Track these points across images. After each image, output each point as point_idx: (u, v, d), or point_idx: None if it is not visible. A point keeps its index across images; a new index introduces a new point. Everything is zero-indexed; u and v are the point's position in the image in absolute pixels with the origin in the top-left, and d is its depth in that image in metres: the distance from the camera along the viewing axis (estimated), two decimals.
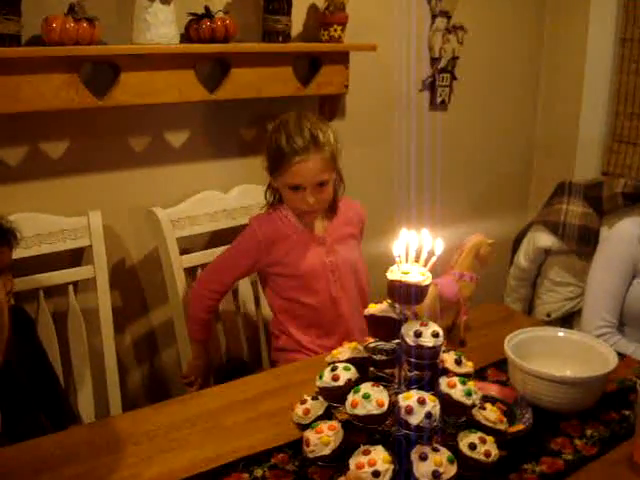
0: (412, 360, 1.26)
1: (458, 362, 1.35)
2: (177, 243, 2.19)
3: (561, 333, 1.72)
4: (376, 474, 1.16)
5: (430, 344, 1.24)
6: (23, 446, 1.43)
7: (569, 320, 2.68)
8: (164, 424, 1.50)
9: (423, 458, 1.18)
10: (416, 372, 1.29)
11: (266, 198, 2.09)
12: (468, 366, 1.36)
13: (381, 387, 1.25)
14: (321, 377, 1.32)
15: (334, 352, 1.39)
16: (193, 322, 2.11)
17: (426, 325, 1.26)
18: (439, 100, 2.95)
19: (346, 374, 1.30)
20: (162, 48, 2.03)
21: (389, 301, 1.31)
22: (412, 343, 1.24)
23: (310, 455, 1.27)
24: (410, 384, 1.29)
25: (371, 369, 1.37)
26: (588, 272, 2.25)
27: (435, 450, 1.20)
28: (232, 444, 1.43)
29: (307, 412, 1.34)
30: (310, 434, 1.27)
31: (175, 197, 2.27)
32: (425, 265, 1.29)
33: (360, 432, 1.28)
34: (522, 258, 2.73)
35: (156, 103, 2.13)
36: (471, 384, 1.27)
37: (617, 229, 2.22)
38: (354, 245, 2.12)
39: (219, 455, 1.39)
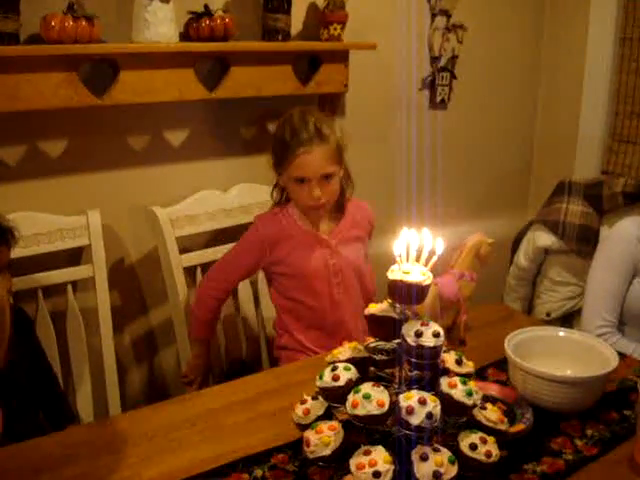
0: (413, 360, 1.25)
1: (459, 362, 1.34)
2: (176, 242, 2.19)
3: (561, 333, 1.72)
4: (377, 474, 1.15)
5: (431, 344, 1.23)
6: (22, 446, 1.42)
7: (569, 319, 2.67)
8: (163, 424, 1.50)
9: (424, 458, 1.17)
10: (417, 372, 1.28)
11: (272, 197, 2.08)
12: (469, 366, 1.36)
13: (382, 387, 1.25)
14: (321, 377, 1.31)
15: (334, 352, 1.38)
16: (196, 321, 2.11)
17: (427, 325, 1.25)
18: (439, 99, 2.95)
19: (346, 374, 1.29)
20: (161, 47, 2.03)
21: (389, 301, 1.31)
22: (413, 343, 1.23)
23: (310, 455, 1.26)
24: (411, 384, 1.28)
25: (371, 369, 1.36)
26: (588, 271, 2.25)
27: (436, 450, 1.19)
28: (232, 444, 1.43)
29: (307, 412, 1.33)
30: (310, 434, 1.27)
31: (174, 196, 2.27)
32: (426, 265, 1.28)
33: (360, 432, 1.28)
34: (522, 257, 2.73)
35: (155, 102, 2.12)
36: (472, 384, 1.27)
37: (617, 228, 2.21)
38: (360, 248, 2.10)
39: (219, 455, 1.39)
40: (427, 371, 1.27)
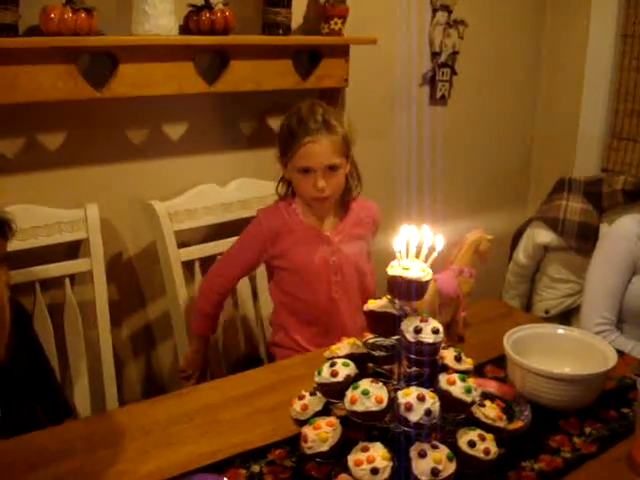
0: (412, 356, 1.25)
1: (458, 359, 1.34)
2: (175, 236, 2.19)
3: (560, 330, 1.72)
4: (375, 471, 1.15)
5: (430, 340, 1.23)
6: (19, 440, 1.42)
7: (568, 317, 2.67)
8: (161, 419, 1.50)
9: (422, 455, 1.16)
10: (415, 368, 1.28)
11: (277, 192, 2.08)
12: (468, 363, 1.35)
13: (380, 383, 1.24)
14: (320, 373, 1.31)
15: (333, 347, 1.37)
16: (199, 315, 2.10)
17: (426, 321, 1.25)
18: (439, 95, 2.94)
19: (345, 370, 1.28)
20: (161, 39, 2.02)
21: (389, 297, 1.30)
22: (412, 339, 1.23)
23: (308, 451, 1.25)
24: (409, 380, 1.27)
25: (370, 365, 1.36)
26: (587, 269, 2.25)
27: (434, 447, 1.18)
28: (229, 439, 1.42)
29: (305, 408, 1.32)
30: (308, 430, 1.26)
31: (173, 190, 2.26)
32: (426, 261, 1.28)
33: (358, 428, 1.27)
34: (521, 254, 2.73)
35: (154, 95, 2.11)
36: (471, 381, 1.26)
37: (617, 226, 2.21)
38: (362, 247, 2.09)
39: (216, 450, 1.38)
40: (426, 368, 1.27)
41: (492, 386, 1.58)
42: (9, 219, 1.56)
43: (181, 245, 2.22)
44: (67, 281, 2.08)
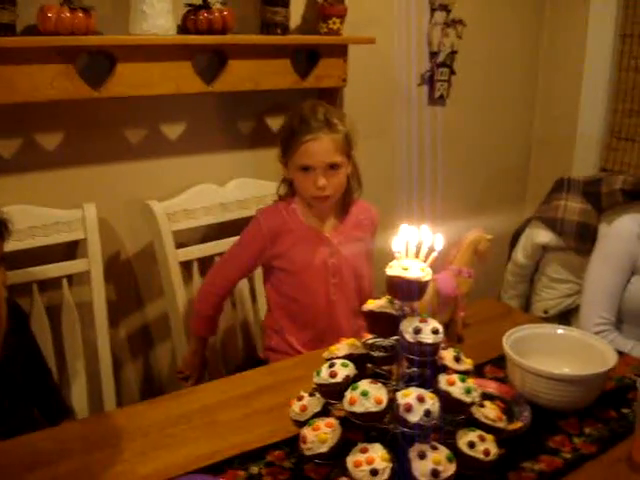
0: (411, 357, 1.25)
1: (457, 359, 1.33)
2: (173, 236, 2.18)
3: (560, 330, 1.72)
4: (374, 472, 1.14)
5: (430, 341, 1.22)
6: (16, 441, 1.41)
7: (567, 317, 2.66)
8: (159, 420, 1.49)
9: (422, 456, 1.16)
10: (415, 369, 1.28)
11: (278, 192, 2.07)
12: (467, 363, 1.34)
13: (379, 384, 1.24)
14: (319, 373, 1.30)
15: (332, 348, 1.37)
16: (198, 317, 2.10)
17: (425, 321, 1.24)
18: (437, 95, 2.94)
19: (344, 371, 1.28)
20: (159, 39, 2.01)
21: (388, 297, 1.30)
22: (411, 340, 1.22)
23: (307, 452, 1.25)
24: (409, 381, 1.27)
25: (369, 366, 1.35)
26: (586, 269, 2.24)
27: (434, 448, 1.18)
28: (228, 440, 1.42)
29: (304, 409, 1.32)
30: (307, 431, 1.26)
31: (171, 190, 2.26)
32: (425, 261, 1.27)
33: (358, 429, 1.27)
34: (520, 254, 2.72)
35: (152, 95, 2.11)
36: (470, 382, 1.26)
37: (616, 226, 2.21)
38: (360, 250, 2.08)
39: (214, 451, 1.38)
40: (425, 368, 1.26)
41: (492, 386, 1.57)
42: (6, 219, 1.55)
43: (179, 245, 2.21)
44: (65, 282, 2.07)
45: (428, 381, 1.25)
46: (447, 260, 1.89)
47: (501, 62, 3.17)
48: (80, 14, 1.84)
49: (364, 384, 1.23)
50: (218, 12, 2.09)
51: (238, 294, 2.32)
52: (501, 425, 1.29)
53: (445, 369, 1.30)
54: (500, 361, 1.68)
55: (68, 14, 1.82)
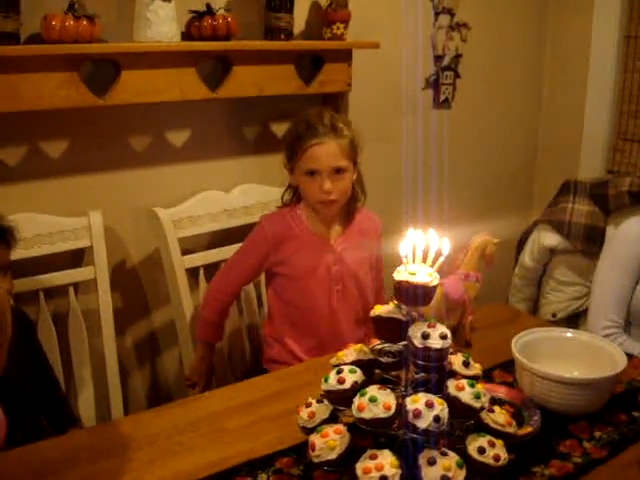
0: (419, 362, 1.24)
1: (466, 364, 1.32)
2: (179, 243, 2.18)
3: (569, 334, 1.71)
4: (383, 479, 1.14)
5: (438, 346, 1.21)
6: (23, 450, 1.41)
7: (575, 320, 2.65)
8: (166, 427, 1.49)
9: (431, 462, 1.15)
10: (423, 374, 1.27)
11: (282, 199, 2.07)
12: (476, 368, 1.34)
13: (388, 390, 1.23)
14: (326, 380, 1.30)
15: (339, 354, 1.36)
16: (203, 323, 2.09)
17: (434, 327, 1.24)
18: (442, 98, 2.93)
19: (352, 377, 1.27)
20: (163, 46, 2.01)
21: (395, 302, 1.29)
22: (419, 345, 1.22)
23: (316, 460, 1.24)
24: (417, 387, 1.26)
25: (377, 371, 1.34)
26: (594, 271, 2.23)
27: (443, 454, 1.17)
28: (235, 448, 1.41)
29: (312, 415, 1.31)
30: (316, 438, 1.25)
31: (176, 197, 2.25)
32: (432, 265, 1.27)
33: (366, 436, 1.26)
34: (527, 257, 2.71)
35: (157, 102, 2.11)
36: (479, 386, 1.25)
37: (624, 228, 2.20)
38: (364, 258, 2.06)
39: (222, 459, 1.37)
40: (434, 373, 1.26)
41: (501, 391, 1.57)
42: (12, 227, 1.56)
43: (185, 252, 2.21)
44: (71, 289, 2.07)
45: (437, 386, 1.24)
46: (454, 264, 1.88)
47: (506, 65, 3.16)
48: (84, 22, 1.85)
49: (372, 390, 1.23)
50: (222, 18, 2.09)
51: (245, 300, 2.32)
52: (511, 430, 1.28)
53: (454, 374, 1.30)
54: (509, 365, 1.68)
55: (72, 22, 1.82)
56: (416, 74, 2.81)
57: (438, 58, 2.87)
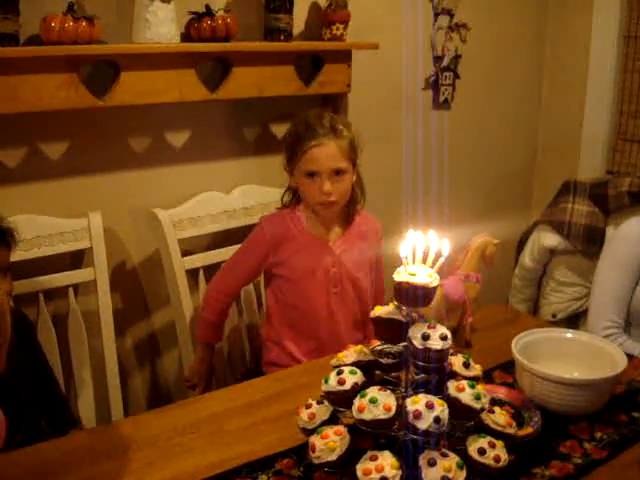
0: (419, 363, 1.24)
1: (466, 365, 1.32)
2: (179, 245, 2.17)
3: (569, 334, 1.71)
4: None
5: (438, 347, 1.21)
6: (23, 452, 1.41)
7: (575, 320, 2.65)
8: (166, 429, 1.48)
9: (432, 464, 1.15)
10: (423, 375, 1.27)
11: (282, 201, 2.07)
12: (476, 369, 1.34)
13: (388, 391, 1.23)
14: (327, 381, 1.29)
15: (339, 355, 1.36)
16: (203, 324, 2.09)
17: (434, 327, 1.23)
18: (442, 99, 2.93)
19: (352, 378, 1.27)
20: (162, 47, 2.01)
21: (396, 303, 1.29)
22: (420, 346, 1.22)
23: (316, 461, 1.24)
24: (417, 388, 1.26)
25: (377, 372, 1.34)
26: (594, 272, 2.23)
27: (444, 455, 1.17)
28: (236, 449, 1.41)
29: (312, 417, 1.31)
30: (316, 439, 1.25)
31: (176, 198, 2.25)
32: (432, 266, 1.27)
33: (367, 437, 1.26)
34: (527, 258, 2.71)
35: (156, 103, 2.11)
36: (480, 387, 1.25)
37: (624, 228, 2.19)
38: (363, 261, 2.06)
39: (222, 460, 1.37)
40: (434, 374, 1.26)
41: (501, 392, 1.56)
42: (12, 229, 1.56)
43: (185, 253, 2.21)
44: (71, 291, 2.07)
45: (437, 387, 1.24)
46: (454, 265, 1.88)
47: (505, 65, 3.16)
48: (83, 23, 1.84)
49: (373, 391, 1.22)
50: (221, 19, 2.09)
51: (245, 301, 2.32)
52: (511, 431, 1.28)
53: (454, 375, 1.29)
54: (509, 366, 1.68)
55: (71, 23, 1.82)
56: (415, 75, 2.81)
57: (437, 59, 2.86)
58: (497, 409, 1.30)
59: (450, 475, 1.14)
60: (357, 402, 1.22)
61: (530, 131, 3.39)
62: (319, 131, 1.90)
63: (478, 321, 1.90)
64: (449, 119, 2.96)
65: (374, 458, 1.18)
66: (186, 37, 2.14)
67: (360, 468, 1.17)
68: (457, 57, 2.92)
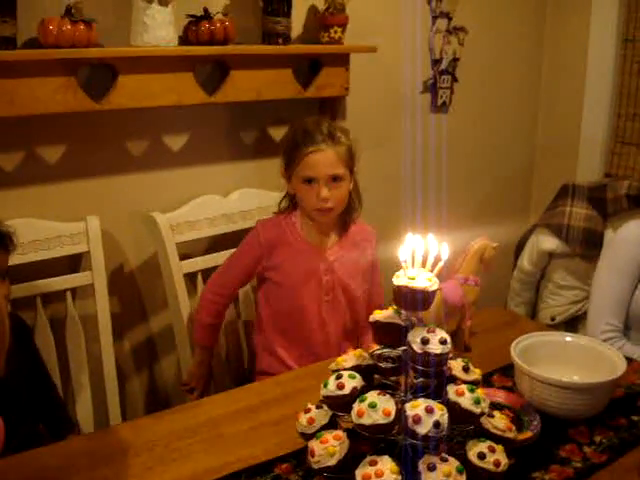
0: (419, 367, 1.23)
1: (466, 369, 1.32)
2: (176, 248, 2.17)
3: (568, 338, 1.70)
4: None
5: (437, 351, 1.21)
6: (21, 457, 1.40)
7: (574, 324, 2.65)
8: (164, 434, 1.48)
9: (431, 468, 1.15)
10: (423, 380, 1.26)
11: (279, 207, 2.06)
12: (476, 373, 1.34)
13: (387, 396, 1.22)
14: (326, 385, 1.29)
15: (339, 359, 1.36)
16: (199, 326, 2.09)
17: (433, 332, 1.23)
18: (440, 102, 2.93)
19: (351, 382, 1.27)
20: (160, 50, 2.01)
21: (395, 307, 1.29)
22: (419, 350, 1.21)
23: (315, 466, 1.24)
24: (417, 392, 1.26)
25: (377, 377, 1.34)
26: (593, 275, 2.23)
27: (443, 460, 1.17)
28: (234, 454, 1.41)
29: (311, 421, 1.31)
30: (315, 444, 1.24)
31: (174, 202, 2.25)
32: (431, 270, 1.26)
33: (366, 442, 1.25)
34: (526, 261, 2.71)
35: (154, 106, 2.10)
36: (479, 392, 1.25)
37: (622, 232, 2.20)
38: (356, 271, 2.05)
39: (221, 465, 1.37)
40: (433, 379, 1.25)
41: (500, 396, 1.56)
42: (10, 232, 1.55)
43: (183, 257, 2.20)
44: (68, 295, 2.06)
45: (436, 392, 1.24)
46: (453, 269, 1.88)
47: (503, 68, 3.16)
48: (81, 26, 1.84)
49: (372, 396, 1.22)
50: (219, 23, 2.09)
51: (242, 304, 2.31)
52: (511, 435, 1.28)
53: (454, 379, 1.29)
54: (508, 370, 1.67)
55: (69, 26, 1.82)
56: (414, 78, 2.81)
57: (436, 62, 2.86)
58: (497, 413, 1.30)
59: None
60: (356, 407, 1.22)
61: (528, 134, 3.39)
62: (317, 137, 1.90)
63: (477, 324, 1.90)
64: (447, 122, 2.96)
65: (373, 463, 1.17)
66: (184, 40, 2.13)
67: (359, 473, 1.16)
68: (455, 60, 2.92)
